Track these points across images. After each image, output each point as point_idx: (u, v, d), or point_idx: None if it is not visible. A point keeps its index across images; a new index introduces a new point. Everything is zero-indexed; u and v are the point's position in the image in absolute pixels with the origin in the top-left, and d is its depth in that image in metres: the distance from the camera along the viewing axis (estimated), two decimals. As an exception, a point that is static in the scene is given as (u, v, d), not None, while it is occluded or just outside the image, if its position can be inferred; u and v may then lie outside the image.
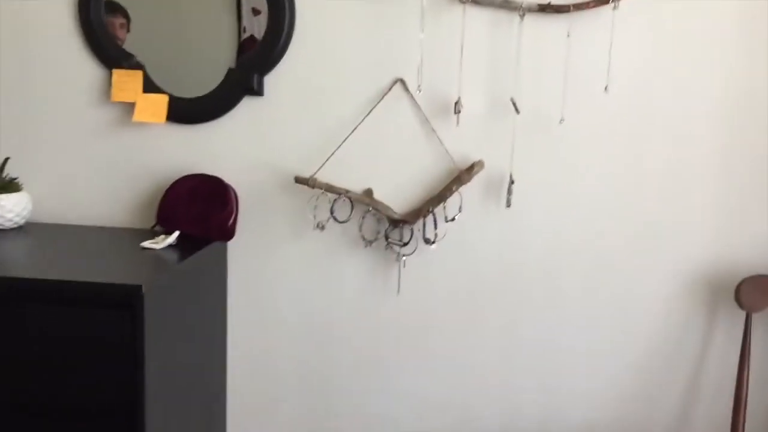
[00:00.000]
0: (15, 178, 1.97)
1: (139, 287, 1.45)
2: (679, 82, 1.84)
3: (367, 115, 1.92)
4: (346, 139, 1.93)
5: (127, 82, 1.99)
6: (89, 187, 2.05)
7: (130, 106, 1.99)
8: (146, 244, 1.80)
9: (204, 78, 1.97)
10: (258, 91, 1.95)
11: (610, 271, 1.94)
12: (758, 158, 1.85)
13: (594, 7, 1.78)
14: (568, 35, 1.81)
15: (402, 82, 1.90)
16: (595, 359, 1.99)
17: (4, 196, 1.92)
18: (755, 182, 1.86)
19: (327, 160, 1.93)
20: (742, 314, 1.84)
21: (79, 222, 2.06)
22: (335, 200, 1.92)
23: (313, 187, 1.91)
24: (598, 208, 1.91)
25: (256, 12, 1.96)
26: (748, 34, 1.80)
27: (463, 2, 1.82)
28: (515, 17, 1.83)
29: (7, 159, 1.97)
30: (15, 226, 1.96)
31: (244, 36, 1.97)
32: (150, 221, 2.03)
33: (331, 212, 1.92)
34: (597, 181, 1.90)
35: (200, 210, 1.93)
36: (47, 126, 2.03)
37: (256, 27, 1.96)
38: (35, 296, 1.51)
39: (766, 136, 1.84)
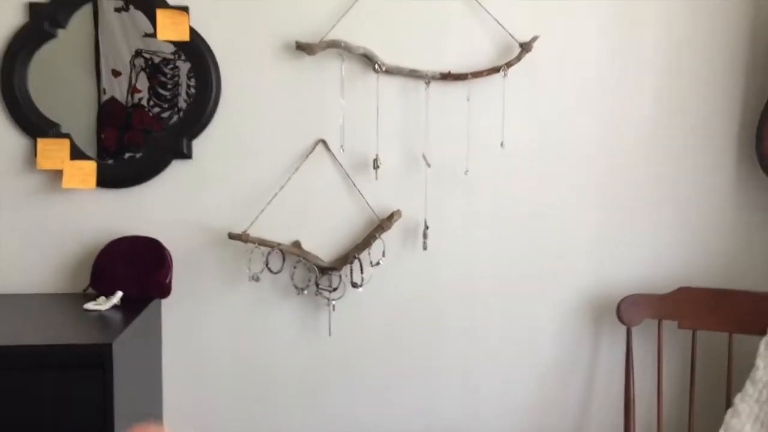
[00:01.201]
0: (-66, 250, 1.95)
1: (110, 345, 1.52)
2: (560, 131, 2.16)
3: (294, 173, 2.10)
4: (275, 195, 2.09)
5: (53, 150, 2.03)
6: (15, 256, 2.06)
7: (56, 173, 2.03)
8: (90, 306, 1.85)
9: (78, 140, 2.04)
10: (187, 154, 2.07)
11: (514, 297, 2.21)
12: (630, 194, 2.20)
13: (488, 75, 2.07)
14: (468, 99, 2.10)
15: (324, 142, 2.10)
16: (506, 381, 2.24)
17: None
18: (628, 215, 2.21)
19: (258, 216, 2.08)
20: (623, 328, 2.17)
21: (2, 291, 2.05)
22: (269, 253, 2.06)
23: (246, 241, 2.05)
24: (500, 245, 2.19)
25: (116, 74, 2.06)
26: (614, 84, 2.16)
27: (377, 71, 2.06)
28: (422, 84, 2.09)
29: (-73, 231, 1.95)
30: (-62, 299, 1.93)
31: (104, 98, 2.07)
32: (80, 285, 2.06)
33: (266, 264, 2.07)
34: (498, 221, 2.18)
35: (136, 270, 2.00)
36: (-31, 196, 2.03)
37: (117, 89, 2.07)
38: (-2, 364, 1.53)
39: (636, 174, 2.19)
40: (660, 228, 2.22)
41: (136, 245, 2.04)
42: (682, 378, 2.23)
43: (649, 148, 2.19)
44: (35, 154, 2.02)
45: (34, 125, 2.03)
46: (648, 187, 2.20)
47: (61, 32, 2.02)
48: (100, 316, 1.81)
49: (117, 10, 2.03)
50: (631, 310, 2.13)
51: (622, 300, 2.13)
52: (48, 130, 2.03)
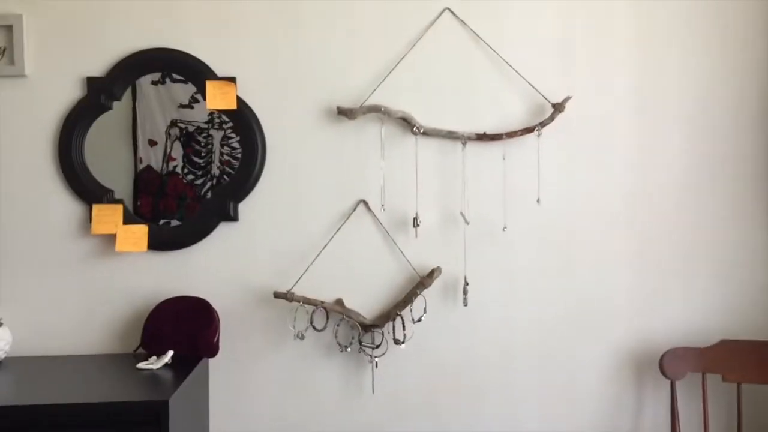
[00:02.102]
0: (-7, 315, 2.03)
1: (166, 402, 1.57)
2: (594, 186, 2.21)
3: (336, 232, 2.17)
4: (318, 255, 2.15)
5: (107, 215, 2.13)
6: (69, 319, 2.14)
7: (109, 238, 2.12)
8: (142, 365, 1.91)
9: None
10: (234, 217, 2.15)
11: (553, 353, 2.23)
12: (666, 246, 2.23)
13: (522, 135, 2.15)
14: (504, 158, 2.17)
15: (365, 202, 2.17)
16: (548, 435, 2.24)
17: (-12, 331, 1.97)
18: (665, 268, 2.23)
19: (302, 275, 2.14)
20: (666, 383, 2.17)
21: (58, 353, 2.12)
22: (313, 311, 2.11)
23: (291, 300, 2.10)
24: (538, 300, 2.22)
25: (152, 143, 2.17)
26: (646, 138, 2.22)
27: (415, 134, 2.14)
28: (459, 145, 2.17)
29: (-13, 296, 2.03)
30: (-3, 361, 2.00)
31: (141, 167, 2.17)
32: (130, 346, 2.12)
33: (311, 322, 2.11)
34: (536, 276, 2.22)
35: (186, 330, 2.05)
36: (28, 261, 2.13)
37: (153, 157, 2.16)
38: (57, 422, 1.59)
39: (672, 227, 2.22)
40: (697, 280, 2.24)
41: (185, 306, 2.10)
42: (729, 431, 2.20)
43: (683, 200, 2.23)
44: (90, 220, 2.12)
45: (90, 192, 2.13)
46: (684, 239, 2.23)
47: (116, 104, 2.14)
48: (153, 375, 1.86)
49: (154, 83, 2.15)
50: (674, 363, 2.13)
51: (665, 353, 2.14)
52: (102, 196, 2.13)
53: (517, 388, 2.23)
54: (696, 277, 2.24)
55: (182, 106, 2.16)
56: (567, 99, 2.14)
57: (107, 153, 2.16)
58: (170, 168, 2.17)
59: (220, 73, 2.13)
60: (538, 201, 2.17)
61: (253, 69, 2.15)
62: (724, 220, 2.24)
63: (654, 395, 2.24)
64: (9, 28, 2.08)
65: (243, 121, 2.14)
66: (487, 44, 2.17)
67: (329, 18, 2.15)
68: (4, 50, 2.09)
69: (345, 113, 2.11)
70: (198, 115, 2.16)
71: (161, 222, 2.16)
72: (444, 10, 2.16)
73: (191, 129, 2.17)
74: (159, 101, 2.15)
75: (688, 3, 2.21)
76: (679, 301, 2.24)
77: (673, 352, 2.14)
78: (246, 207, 2.16)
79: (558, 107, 2.14)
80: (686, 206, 2.24)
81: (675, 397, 2.12)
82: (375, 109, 2.12)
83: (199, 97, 2.14)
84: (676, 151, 2.23)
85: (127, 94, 2.14)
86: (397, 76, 2.15)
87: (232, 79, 2.13)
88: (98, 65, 2.12)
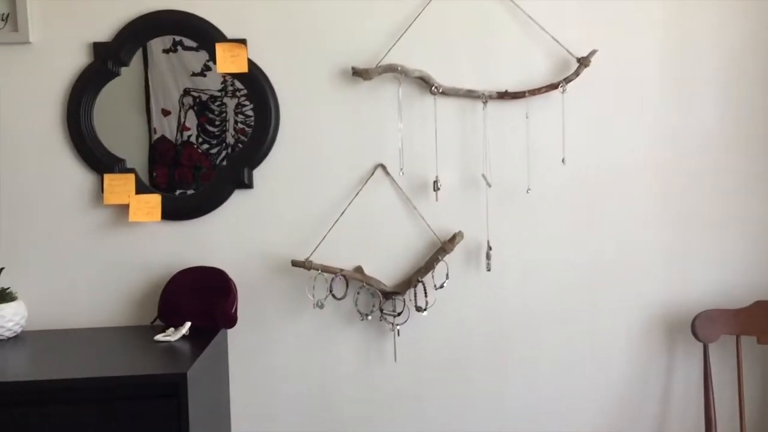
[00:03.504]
0: (7, 289, 1.98)
1: (184, 375, 1.53)
2: (622, 144, 2.13)
3: (354, 198, 2.10)
4: (336, 222, 2.09)
5: (119, 185, 2.07)
6: (84, 291, 2.09)
7: (122, 208, 2.07)
8: (159, 337, 1.87)
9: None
10: (248, 184, 2.09)
11: (580, 318, 2.16)
12: (697, 207, 2.15)
13: (546, 92, 2.06)
14: (527, 117, 2.08)
15: (383, 166, 2.10)
16: (574, 399, 2.18)
17: (1, 306, 1.93)
18: (697, 228, 2.15)
19: (320, 243, 2.08)
20: (698, 346, 2.10)
21: (74, 326, 2.08)
22: (332, 279, 2.06)
23: (309, 269, 2.05)
24: (565, 264, 2.15)
25: (165, 113, 2.10)
26: (676, 95, 2.13)
27: (434, 93, 2.06)
28: (479, 104, 2.08)
29: (1, 269, 1.99)
30: (13, 335, 1.96)
31: (155, 137, 2.11)
32: (146, 318, 2.09)
33: (330, 290, 2.06)
34: (562, 240, 2.14)
35: (203, 301, 2.01)
36: (40, 234, 2.08)
37: (167, 127, 2.11)
38: (75, 396, 1.56)
39: (703, 187, 2.14)
40: (730, 241, 2.16)
41: (202, 276, 2.05)
42: (764, 396, 2.13)
43: (715, 159, 2.14)
44: (102, 190, 2.07)
45: (101, 161, 2.07)
46: (716, 199, 2.15)
47: (124, 70, 2.07)
48: (170, 347, 1.82)
49: (165, 51, 2.09)
50: (707, 326, 2.06)
51: (697, 316, 2.07)
52: (114, 165, 2.07)
53: (543, 354, 2.17)
54: (729, 237, 2.15)
55: (195, 74, 2.09)
56: (593, 52, 2.04)
57: (121, 124, 2.11)
58: (185, 138, 2.11)
59: (230, 35, 2.05)
60: (563, 161, 2.08)
61: (264, 30, 2.06)
62: (758, 179, 2.15)
63: (685, 359, 2.18)
64: (12, -6, 2.02)
65: (255, 84, 2.06)
66: (507, -3, 2.07)
67: (342, -26, 2.06)
68: (7, 17, 2.03)
69: (360, 74, 2.03)
70: (211, 84, 2.10)
71: (177, 192, 2.11)
72: (462, -38, 2.06)
73: (204, 98, 2.10)
74: (171, 70, 2.09)
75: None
76: (712, 262, 2.16)
77: (706, 314, 2.06)
78: (261, 174, 2.10)
79: (583, 61, 2.04)
80: (719, 165, 2.14)
81: (708, 361, 2.05)
82: (391, 69, 2.04)
83: (211, 64, 2.07)
84: (708, 108, 2.14)
85: (139, 64, 2.08)
86: (413, 33, 2.05)
87: (243, 41, 2.05)
88: (104, 30, 2.05)
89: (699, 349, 2.10)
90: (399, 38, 2.05)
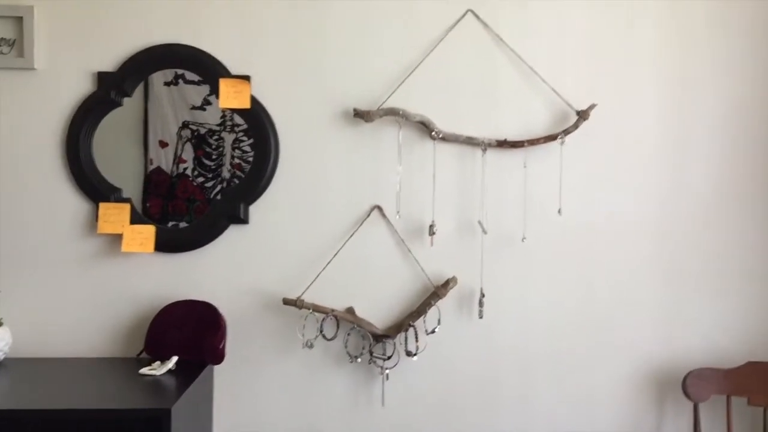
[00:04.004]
0: (-7, 314, 1.96)
1: (168, 411, 1.50)
2: (618, 198, 2.14)
3: (349, 238, 2.09)
4: (329, 261, 2.08)
5: (114, 215, 2.06)
6: (71, 319, 2.07)
7: (115, 238, 2.06)
8: (145, 371, 1.84)
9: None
10: (244, 220, 2.09)
11: (571, 371, 2.14)
12: (692, 263, 2.15)
13: (544, 142, 2.07)
14: (525, 166, 2.09)
15: (379, 208, 2.10)
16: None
17: (-13, 331, 1.91)
18: (691, 285, 2.15)
19: (312, 282, 2.07)
20: (689, 405, 2.08)
21: (59, 355, 2.05)
22: (323, 319, 2.04)
23: (300, 307, 2.03)
24: (558, 314, 2.14)
25: (163, 144, 2.11)
26: (673, 149, 2.14)
27: (434, 139, 2.07)
28: (478, 151, 2.09)
29: (-12, 294, 1.97)
30: (-4, 361, 1.93)
31: (151, 168, 2.11)
32: (133, 349, 2.06)
33: (320, 330, 2.04)
34: (556, 290, 2.13)
35: (191, 335, 1.99)
36: (30, 259, 2.06)
37: (163, 159, 2.11)
38: (55, 427, 1.55)
39: (698, 243, 2.14)
40: (724, 299, 2.15)
41: (191, 310, 2.03)
42: (754, 459, 2.11)
43: (710, 216, 2.15)
44: (96, 218, 2.05)
45: (97, 190, 2.07)
46: (711, 256, 2.15)
47: (126, 101, 2.08)
48: (155, 381, 1.79)
49: (166, 83, 2.10)
50: (698, 384, 2.04)
51: (689, 374, 2.05)
52: (110, 194, 2.07)
53: (534, 405, 2.14)
54: (723, 295, 2.15)
55: (195, 107, 2.10)
56: (592, 106, 2.07)
57: (117, 153, 2.11)
58: (180, 170, 2.11)
59: (234, 71, 2.07)
60: (559, 212, 2.09)
61: (268, 68, 2.08)
62: (755, 237, 2.15)
63: (675, 417, 2.15)
64: (19, 20, 2.03)
65: (256, 120, 2.07)
66: (510, 48, 2.09)
67: (348, 18, 2.09)
68: (13, 42, 2.04)
69: (362, 115, 2.05)
70: (210, 117, 2.11)
71: (170, 224, 2.10)
72: (467, 12, 2.09)
73: (203, 131, 2.11)
74: (171, 102, 2.10)
75: (719, 4, 2.13)
76: (705, 320, 2.15)
77: (697, 372, 2.05)
78: (257, 209, 2.09)
79: (583, 114, 2.06)
80: (714, 223, 2.15)
81: (698, 420, 2.03)
82: (393, 112, 2.05)
83: (211, 99, 2.09)
84: (704, 163, 2.15)
85: (139, 95, 2.09)
86: (416, 78, 2.08)
87: (247, 78, 2.06)
88: (110, 60, 2.06)
89: (689, 408, 2.08)
90: (402, 82, 2.07)
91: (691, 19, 2.13)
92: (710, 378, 2.04)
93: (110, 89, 2.05)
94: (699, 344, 2.15)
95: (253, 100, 2.07)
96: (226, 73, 2.07)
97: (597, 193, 2.13)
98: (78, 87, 2.06)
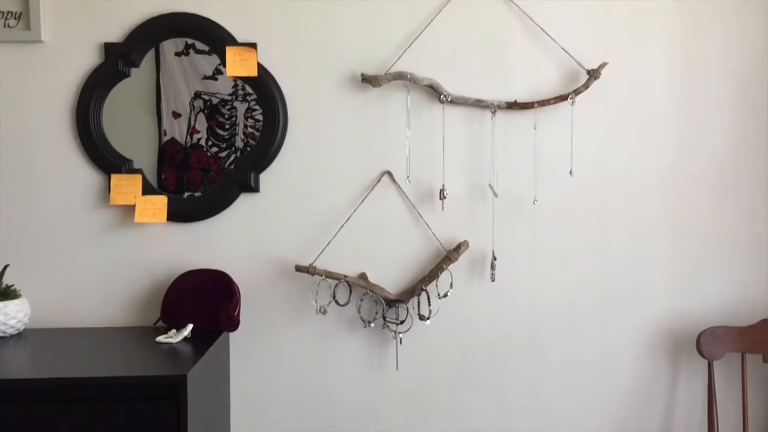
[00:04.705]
0: (11, 286, 1.99)
1: (184, 377, 1.52)
2: (629, 157, 2.12)
3: (359, 204, 2.09)
4: (341, 228, 2.09)
5: (126, 186, 2.08)
6: (87, 290, 2.09)
7: (128, 209, 2.07)
8: (161, 338, 1.86)
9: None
10: (254, 188, 2.09)
11: (584, 332, 2.15)
12: (705, 221, 2.14)
13: (555, 103, 2.05)
14: (535, 127, 2.07)
15: (389, 173, 2.10)
16: (577, 413, 2.16)
17: (5, 303, 1.93)
18: (704, 243, 2.14)
19: (324, 248, 2.08)
20: (703, 363, 2.08)
21: (75, 325, 2.08)
22: (336, 285, 2.05)
23: (313, 274, 2.04)
24: (570, 275, 2.14)
25: (176, 115, 2.11)
26: (684, 108, 2.12)
27: (442, 102, 2.05)
28: (488, 113, 2.08)
29: (6, 266, 1.99)
30: (16, 332, 1.96)
31: (165, 139, 2.11)
32: (149, 318, 2.08)
33: (333, 296, 2.05)
34: (568, 251, 2.13)
35: (206, 303, 2.01)
36: (45, 232, 2.08)
37: (177, 130, 2.11)
38: (74, 395, 1.55)
39: (711, 201, 2.13)
40: (738, 258, 2.14)
41: (205, 279, 2.05)
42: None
43: (725, 173, 2.13)
44: (108, 190, 2.07)
45: (108, 161, 2.08)
46: (724, 213, 2.13)
47: (134, 71, 2.08)
48: (171, 348, 1.81)
49: (177, 54, 2.09)
50: (712, 343, 2.04)
51: (702, 333, 2.05)
52: (121, 166, 2.08)
53: (546, 366, 2.15)
54: (737, 253, 2.14)
55: (206, 77, 2.10)
56: (603, 65, 2.04)
57: (131, 125, 2.11)
58: (194, 140, 2.11)
59: (240, 38, 2.06)
60: (570, 173, 2.07)
61: (275, 35, 2.07)
62: (767, 196, 2.13)
63: (690, 376, 2.16)
64: (25, -7, 2.03)
65: (264, 88, 2.07)
66: (518, 7, 2.06)
67: (354, -19, 2.07)
68: (20, 15, 2.04)
69: (369, 80, 2.03)
70: (222, 87, 2.10)
71: (185, 195, 2.11)
72: (474, -28, 2.06)
73: (215, 101, 2.11)
74: (183, 73, 2.09)
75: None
76: (719, 278, 2.14)
77: (711, 331, 2.05)
78: (267, 178, 2.10)
79: (593, 74, 2.04)
80: (728, 179, 2.13)
81: (713, 378, 2.03)
82: (401, 77, 2.03)
83: (222, 68, 2.07)
84: (718, 122, 2.13)
85: (151, 66, 2.09)
86: (424, 41, 2.06)
87: (253, 45, 2.05)
88: (116, 31, 2.06)
89: (704, 366, 2.08)
90: (409, 46, 2.05)
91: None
92: (724, 336, 2.04)
93: (118, 60, 2.05)
94: (713, 303, 2.14)
95: (261, 68, 2.06)
96: (232, 41, 2.05)
97: (608, 154, 2.12)
98: (85, 58, 2.06)
